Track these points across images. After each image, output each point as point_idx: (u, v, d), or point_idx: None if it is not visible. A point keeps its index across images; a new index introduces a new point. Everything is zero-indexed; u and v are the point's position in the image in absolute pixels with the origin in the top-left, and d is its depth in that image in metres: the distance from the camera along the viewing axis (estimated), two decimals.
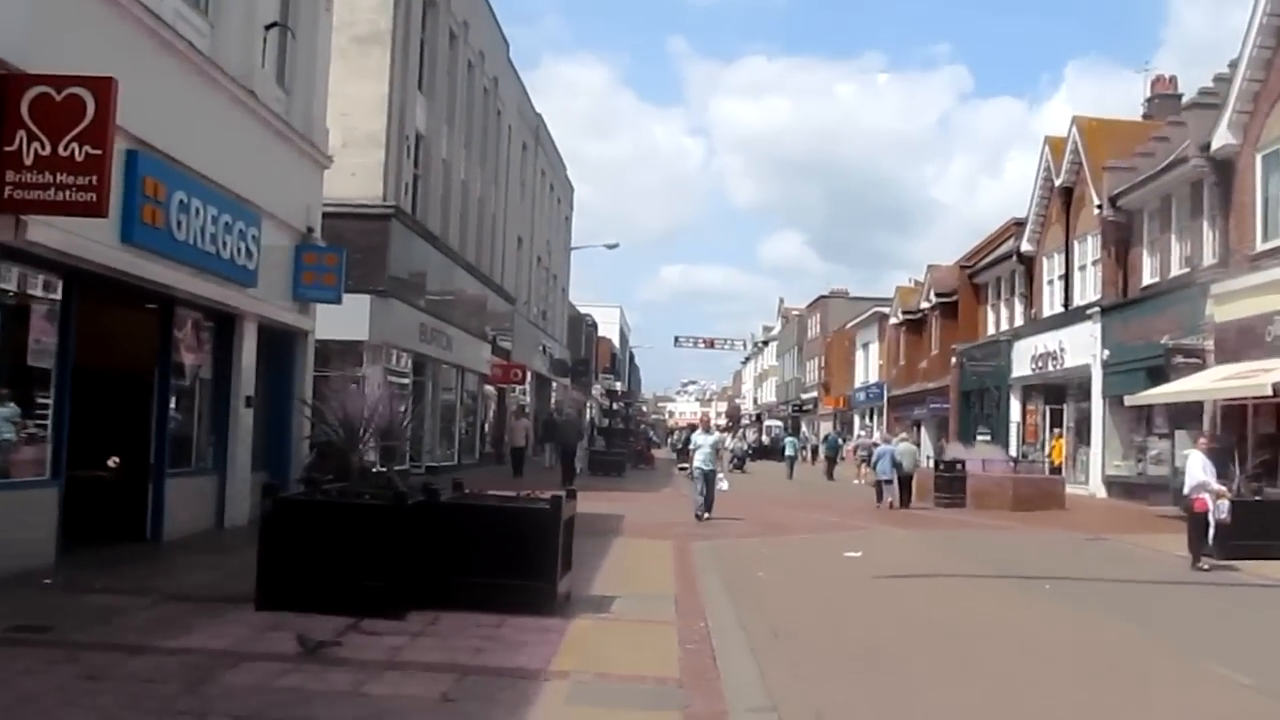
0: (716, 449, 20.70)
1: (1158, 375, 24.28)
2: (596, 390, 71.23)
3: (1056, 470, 30.31)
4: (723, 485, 20.74)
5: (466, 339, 32.43)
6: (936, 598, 12.00)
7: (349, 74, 24.27)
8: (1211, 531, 14.58)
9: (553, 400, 53.44)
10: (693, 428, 37.10)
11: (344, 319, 22.91)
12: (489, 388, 38.40)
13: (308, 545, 8.94)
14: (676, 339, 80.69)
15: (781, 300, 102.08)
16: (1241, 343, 21.77)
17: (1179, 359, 23.07)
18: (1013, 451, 31.78)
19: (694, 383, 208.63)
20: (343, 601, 8.70)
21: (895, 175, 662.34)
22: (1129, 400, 24.05)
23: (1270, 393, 17.98)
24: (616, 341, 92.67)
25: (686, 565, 13.61)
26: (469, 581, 9.19)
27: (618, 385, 79.39)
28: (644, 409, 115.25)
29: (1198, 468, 14.72)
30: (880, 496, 25.44)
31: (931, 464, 28.54)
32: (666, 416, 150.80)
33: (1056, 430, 33.11)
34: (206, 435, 14.78)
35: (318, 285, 17.09)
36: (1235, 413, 22.25)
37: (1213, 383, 20.87)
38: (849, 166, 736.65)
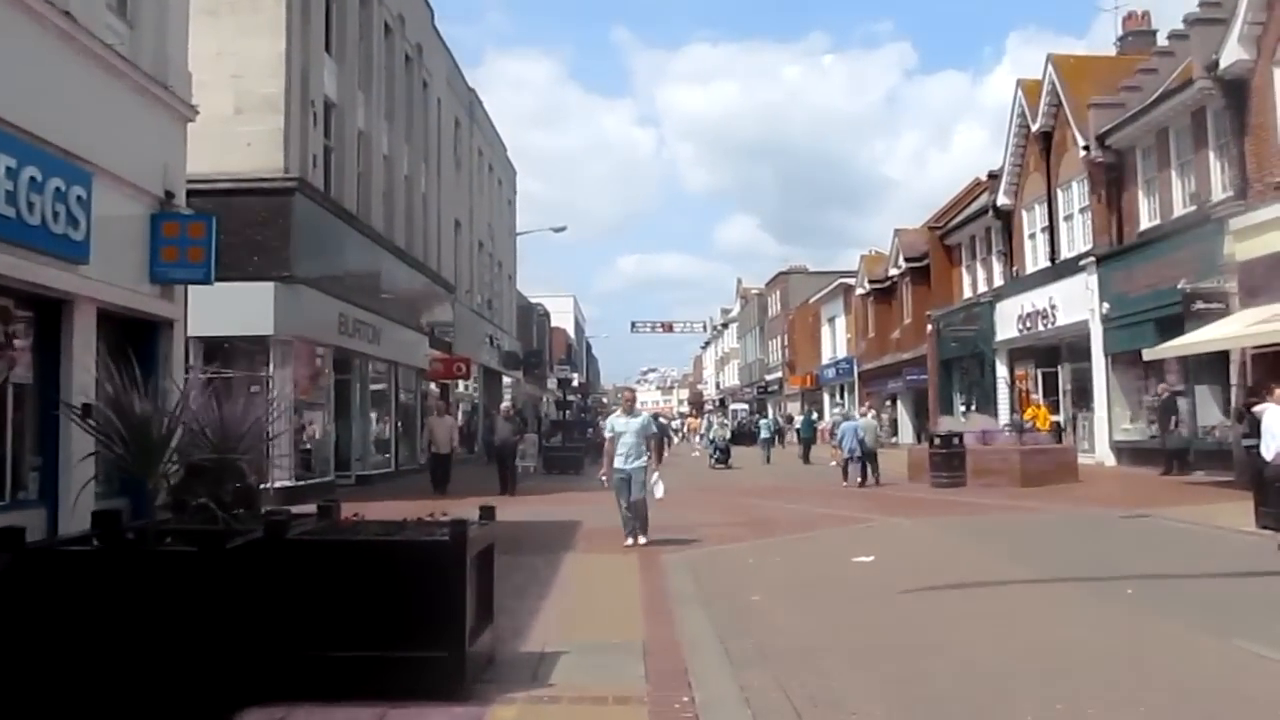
0: (647, 439, 13.81)
1: (1170, 325, 21.72)
2: (552, 383, 68.25)
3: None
4: (657, 491, 13.91)
5: (399, 331, 29.25)
6: (998, 620, 9.05)
7: (238, 30, 21.46)
8: None
9: (506, 395, 50.47)
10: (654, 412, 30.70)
11: (245, 311, 20.29)
12: (432, 385, 35.32)
13: (74, 621, 5.74)
14: (633, 324, 77.54)
15: (739, 281, 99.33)
16: (1272, 281, 19.11)
17: (1199, 304, 20.41)
18: (1002, 420, 29.04)
19: (654, 370, 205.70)
20: (130, 708, 5.67)
21: (846, 154, 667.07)
22: (1148, 354, 21.36)
23: None
24: (571, 331, 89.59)
25: (657, 590, 10.68)
26: (336, 657, 6.19)
27: (575, 376, 76.33)
28: (604, 400, 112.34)
29: None
30: (847, 475, 25.24)
31: (927, 440, 25.88)
32: None
33: (1035, 396, 30.35)
34: (28, 457, 11.16)
35: (182, 263, 13.45)
36: (1269, 360, 19.59)
37: (1248, 327, 18.19)
38: (799, 148, 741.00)
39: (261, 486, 8.69)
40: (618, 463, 13.54)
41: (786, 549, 14.16)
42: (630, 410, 14.21)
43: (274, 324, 20.94)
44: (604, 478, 14.03)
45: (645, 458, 13.64)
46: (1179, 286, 20.98)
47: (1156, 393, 24.11)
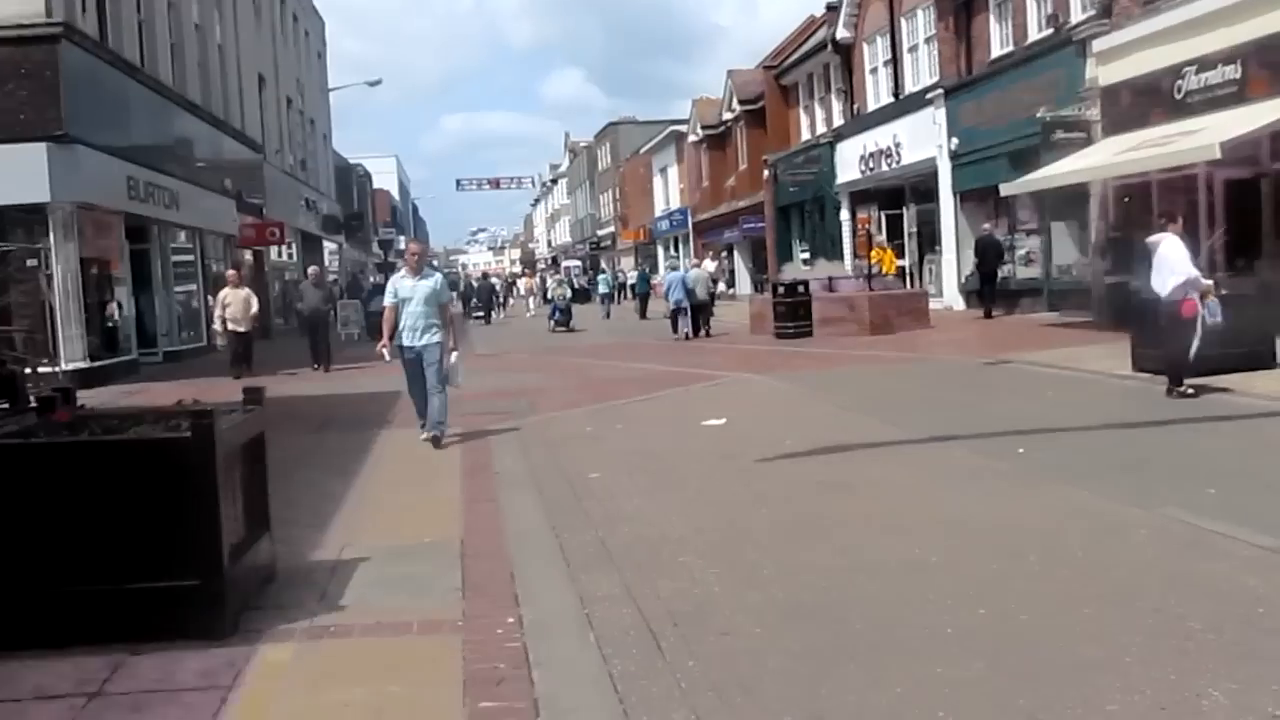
0: (440, 308, 10.64)
1: (1026, 159, 20.69)
2: (377, 247, 65.19)
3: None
4: (455, 377, 10.66)
5: (201, 195, 26.25)
6: (878, 493, 7.60)
7: None
8: (1197, 342, 10.72)
9: (333, 261, 47.63)
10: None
11: (15, 176, 17.75)
12: (246, 253, 32.40)
13: None
14: (459, 182, 74.06)
15: (568, 135, 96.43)
16: (1138, 106, 18.00)
17: (1059, 134, 19.24)
18: (846, 267, 27.96)
19: (483, 230, 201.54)
20: None
21: (674, 0, 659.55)
22: (1005, 189, 20.19)
23: (1218, 155, 14.19)
24: (395, 193, 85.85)
25: (481, 470, 9.10)
26: (58, 593, 4.80)
27: (400, 239, 73.11)
28: (434, 263, 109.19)
29: (1183, 258, 10.68)
30: (675, 327, 24.83)
31: (769, 290, 24.71)
32: (460, 269, 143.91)
33: (880, 238, 29.14)
34: None
35: None
36: (1134, 192, 18.69)
37: (1118, 155, 17.06)
38: None
39: (49, 370, 6.73)
40: (404, 337, 10.48)
41: (628, 414, 12.62)
42: (418, 270, 10.80)
43: (50, 189, 18.15)
44: (383, 351, 10.73)
45: (438, 332, 10.47)
46: (1038, 115, 19.74)
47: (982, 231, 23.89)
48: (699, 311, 25.03)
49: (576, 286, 48.66)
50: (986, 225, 23.69)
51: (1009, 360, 15.15)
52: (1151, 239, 11.25)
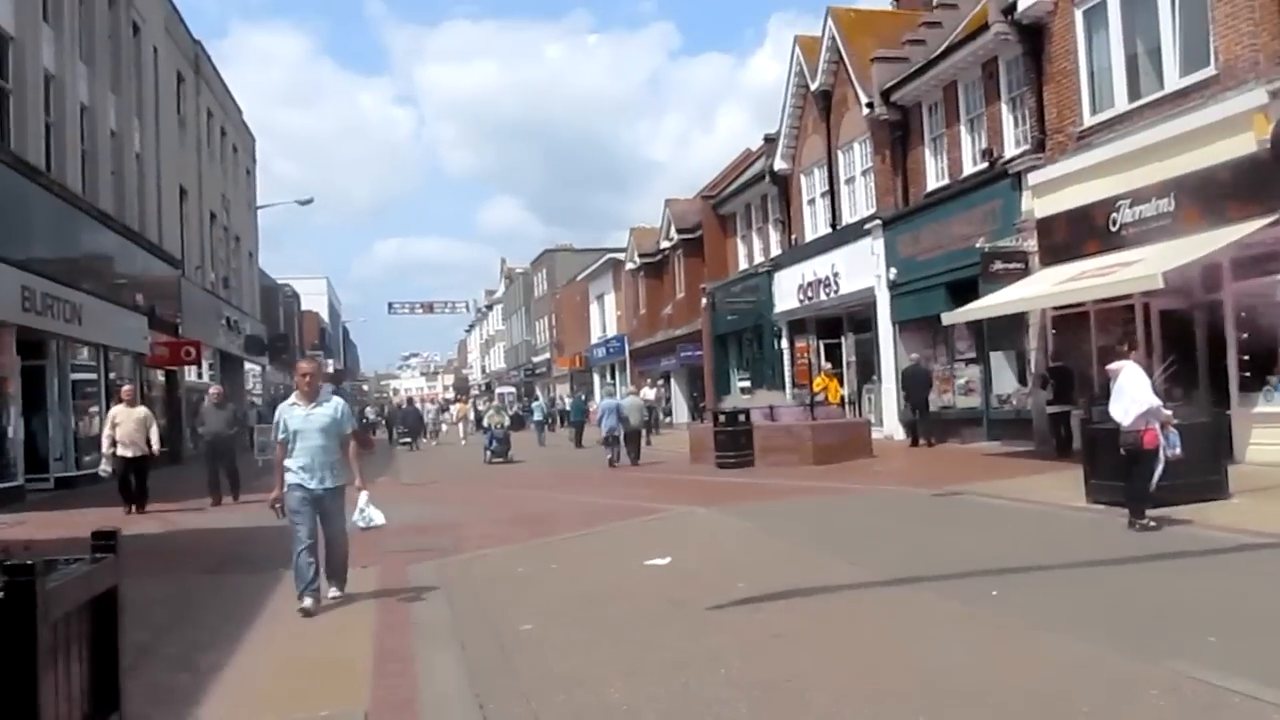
0: (342, 440, 8.74)
1: (964, 289, 20.40)
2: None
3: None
4: (374, 518, 8.92)
5: (108, 310, 25.13)
6: (850, 647, 6.79)
7: None
8: (1159, 473, 10.22)
9: (250, 380, 46.22)
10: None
11: None
12: (159, 374, 31.15)
13: None
14: (391, 305, 72.98)
15: (504, 260, 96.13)
16: (1074, 238, 17.90)
17: (998, 265, 19.03)
18: (787, 396, 27.43)
19: (416, 355, 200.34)
20: None
21: (611, 136, 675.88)
22: (947, 319, 19.91)
23: (1160, 285, 13.92)
24: (325, 315, 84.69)
25: (397, 621, 8.10)
26: None
27: (329, 362, 71.82)
28: (364, 387, 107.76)
29: (1144, 387, 10.23)
30: (619, 456, 24.61)
31: (710, 418, 24.12)
32: (391, 394, 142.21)
33: (828, 365, 28.64)
34: None
35: None
36: (1071, 322, 18.49)
37: (1058, 286, 16.81)
38: (564, 129, 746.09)
39: None
40: (296, 478, 8.44)
41: (564, 552, 11.68)
42: (311, 396, 8.69)
43: None
44: (276, 507, 8.71)
45: (345, 472, 8.75)
46: (977, 246, 19.64)
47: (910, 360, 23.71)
48: (629, 439, 24.69)
49: (512, 414, 47.26)
50: (914, 355, 23.48)
51: (959, 491, 14.53)
52: (1112, 366, 10.83)
